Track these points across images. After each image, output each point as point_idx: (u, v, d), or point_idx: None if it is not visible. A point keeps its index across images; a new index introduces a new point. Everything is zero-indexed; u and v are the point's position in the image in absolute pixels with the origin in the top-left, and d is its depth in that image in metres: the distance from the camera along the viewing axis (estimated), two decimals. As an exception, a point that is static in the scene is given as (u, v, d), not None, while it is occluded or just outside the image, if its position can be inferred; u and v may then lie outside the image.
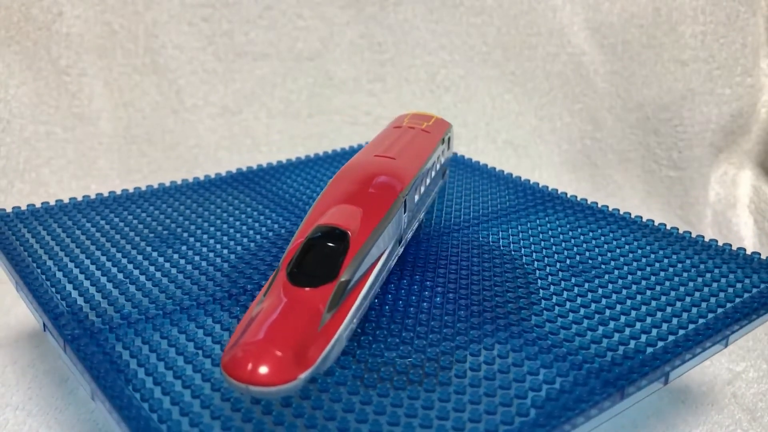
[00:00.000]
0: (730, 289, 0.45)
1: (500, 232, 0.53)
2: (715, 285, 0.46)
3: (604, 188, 0.89)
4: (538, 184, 0.63)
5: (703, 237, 0.52)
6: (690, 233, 0.53)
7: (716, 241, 0.52)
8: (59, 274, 0.45)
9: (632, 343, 0.39)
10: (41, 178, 0.81)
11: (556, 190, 0.61)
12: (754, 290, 0.46)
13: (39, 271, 0.46)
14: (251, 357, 0.31)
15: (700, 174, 0.86)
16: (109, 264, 0.47)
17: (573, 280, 0.46)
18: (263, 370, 0.31)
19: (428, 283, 0.46)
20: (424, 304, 0.43)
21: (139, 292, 0.43)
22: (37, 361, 0.57)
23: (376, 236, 0.40)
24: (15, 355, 0.59)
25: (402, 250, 0.46)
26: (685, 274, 0.47)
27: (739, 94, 0.84)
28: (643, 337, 0.39)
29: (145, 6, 0.85)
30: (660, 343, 0.39)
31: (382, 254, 0.41)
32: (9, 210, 0.54)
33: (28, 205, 0.55)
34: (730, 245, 0.51)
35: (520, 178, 0.64)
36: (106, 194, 0.59)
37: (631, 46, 0.84)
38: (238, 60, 0.88)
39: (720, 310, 0.43)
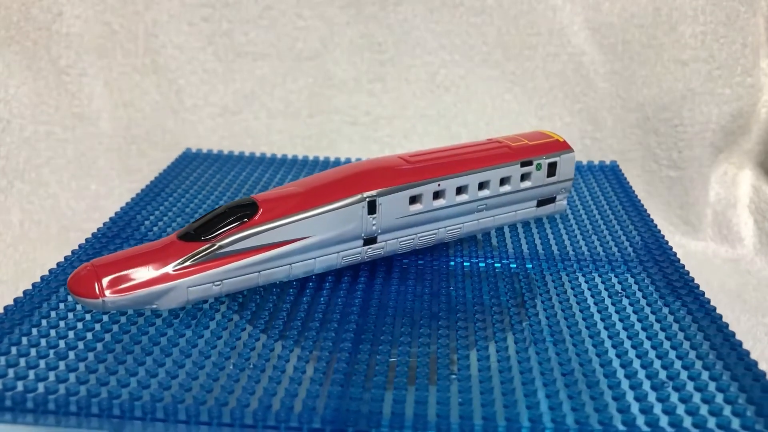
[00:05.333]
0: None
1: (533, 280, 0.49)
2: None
3: (604, 188, 0.89)
4: (659, 231, 0.56)
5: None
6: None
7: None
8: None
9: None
10: (41, 178, 0.81)
11: (664, 243, 0.53)
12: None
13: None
14: (81, 271, 0.40)
15: (700, 174, 0.86)
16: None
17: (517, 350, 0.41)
18: (78, 281, 0.39)
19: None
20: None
21: None
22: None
23: (291, 221, 0.43)
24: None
25: (379, 253, 0.47)
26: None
27: (739, 94, 0.84)
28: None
29: (145, 6, 0.85)
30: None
31: (300, 240, 0.43)
32: (194, 150, 0.75)
33: (208, 150, 0.75)
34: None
35: (651, 221, 0.58)
36: (267, 155, 0.74)
37: (631, 46, 0.84)
38: (238, 60, 0.88)
39: None
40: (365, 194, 0.45)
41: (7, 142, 0.78)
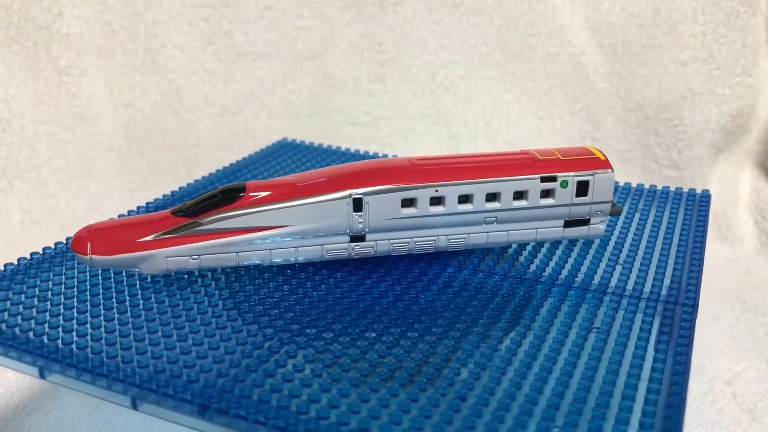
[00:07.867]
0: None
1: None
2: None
3: (604, 188, 0.89)
4: (697, 274, 0.49)
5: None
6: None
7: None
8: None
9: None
10: (41, 178, 0.81)
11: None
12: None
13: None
14: (82, 231, 0.45)
15: (700, 174, 0.86)
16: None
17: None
18: (76, 240, 0.44)
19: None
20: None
21: None
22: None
23: (269, 208, 0.45)
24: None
25: (368, 252, 0.47)
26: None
27: (739, 94, 0.84)
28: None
29: (145, 6, 0.85)
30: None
31: (278, 227, 0.45)
32: (290, 140, 0.77)
33: (301, 141, 0.77)
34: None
35: (698, 261, 0.51)
36: (351, 150, 0.74)
37: (631, 46, 0.84)
38: (238, 60, 0.88)
39: None
40: (352, 191, 0.45)
41: (7, 142, 0.79)
